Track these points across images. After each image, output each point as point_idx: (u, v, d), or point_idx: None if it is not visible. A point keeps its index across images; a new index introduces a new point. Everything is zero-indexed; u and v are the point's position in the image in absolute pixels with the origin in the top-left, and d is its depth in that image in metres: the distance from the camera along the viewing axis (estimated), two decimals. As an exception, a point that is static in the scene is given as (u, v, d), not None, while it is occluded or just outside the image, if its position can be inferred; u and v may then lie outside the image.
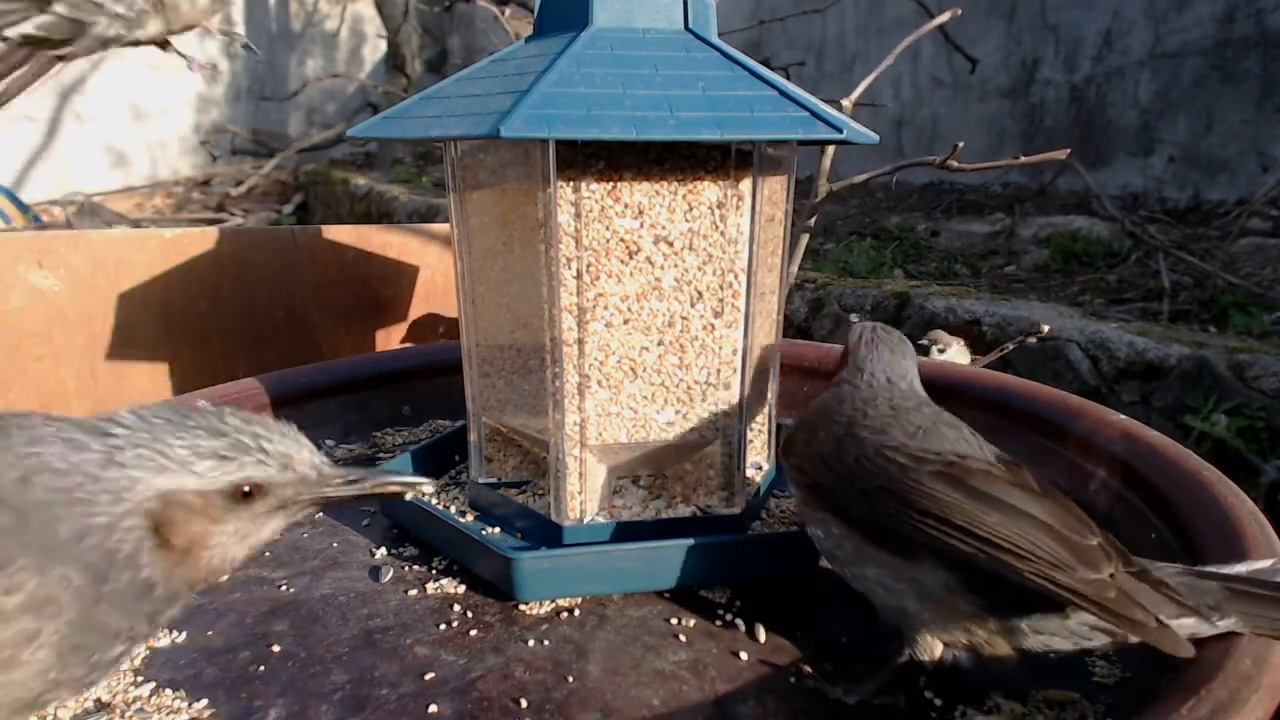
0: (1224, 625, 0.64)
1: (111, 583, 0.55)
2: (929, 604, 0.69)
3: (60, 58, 1.55)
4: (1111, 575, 0.63)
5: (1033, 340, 1.42)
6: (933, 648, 0.71)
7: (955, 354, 2.13)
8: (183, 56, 1.62)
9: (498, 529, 0.96)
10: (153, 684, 0.73)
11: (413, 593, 0.86)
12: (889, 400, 0.81)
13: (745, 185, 0.84)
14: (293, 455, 0.60)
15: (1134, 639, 0.64)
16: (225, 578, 0.62)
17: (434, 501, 1.01)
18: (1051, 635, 0.67)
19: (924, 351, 2.19)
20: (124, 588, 0.55)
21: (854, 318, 0.99)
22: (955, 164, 1.30)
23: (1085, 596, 0.62)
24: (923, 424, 0.76)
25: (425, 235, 1.95)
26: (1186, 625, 0.63)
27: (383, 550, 0.95)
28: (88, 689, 0.60)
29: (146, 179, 7.76)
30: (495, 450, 1.01)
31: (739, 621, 0.81)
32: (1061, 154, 1.28)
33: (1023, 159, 1.31)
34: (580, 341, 0.85)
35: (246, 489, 0.59)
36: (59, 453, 0.55)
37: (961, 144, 1.29)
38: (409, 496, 0.64)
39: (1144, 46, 4.56)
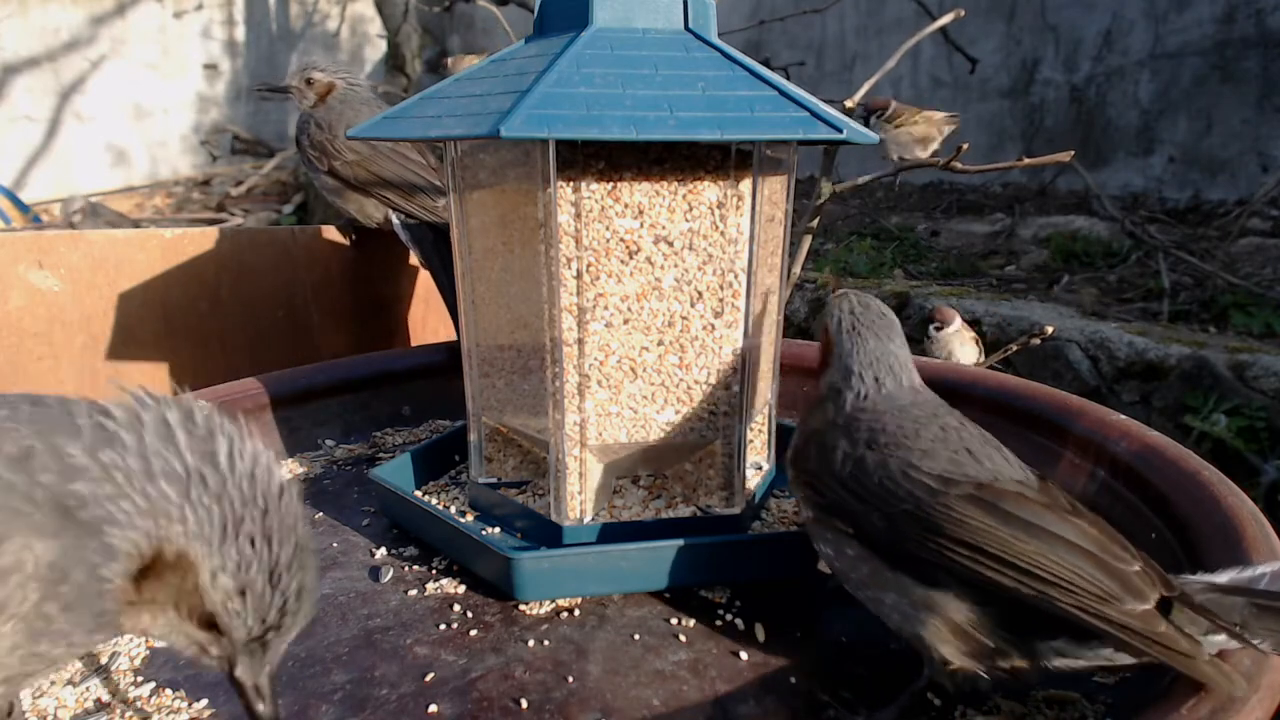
0: (1248, 644, 0.62)
1: (71, 587, 0.51)
2: (950, 633, 0.67)
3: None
4: (1159, 602, 0.61)
5: (1036, 341, 1.42)
6: (953, 673, 0.68)
7: (954, 337, 2.12)
8: None
9: (498, 529, 0.96)
10: (153, 684, 0.73)
11: (413, 593, 0.86)
12: (901, 411, 0.76)
13: (745, 185, 0.84)
14: (281, 635, 0.54)
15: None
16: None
17: (434, 501, 1.01)
18: (1075, 660, 0.65)
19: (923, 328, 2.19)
20: (80, 598, 0.52)
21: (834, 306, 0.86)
22: (959, 165, 1.30)
23: (1135, 632, 0.60)
24: (949, 439, 0.72)
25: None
26: (1217, 642, 0.62)
27: (383, 550, 0.95)
28: (25, 683, 0.56)
29: (147, 179, 7.76)
30: (495, 450, 1.01)
31: (739, 621, 0.81)
32: (1066, 156, 1.28)
33: (1027, 160, 1.31)
34: (580, 341, 0.85)
35: (216, 625, 0.53)
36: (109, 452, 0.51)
37: (966, 146, 1.29)
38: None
39: (1144, 46, 4.56)
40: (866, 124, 2.31)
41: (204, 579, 0.52)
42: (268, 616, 0.53)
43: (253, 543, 0.52)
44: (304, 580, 0.54)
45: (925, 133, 2.34)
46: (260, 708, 0.57)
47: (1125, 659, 0.64)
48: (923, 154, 2.23)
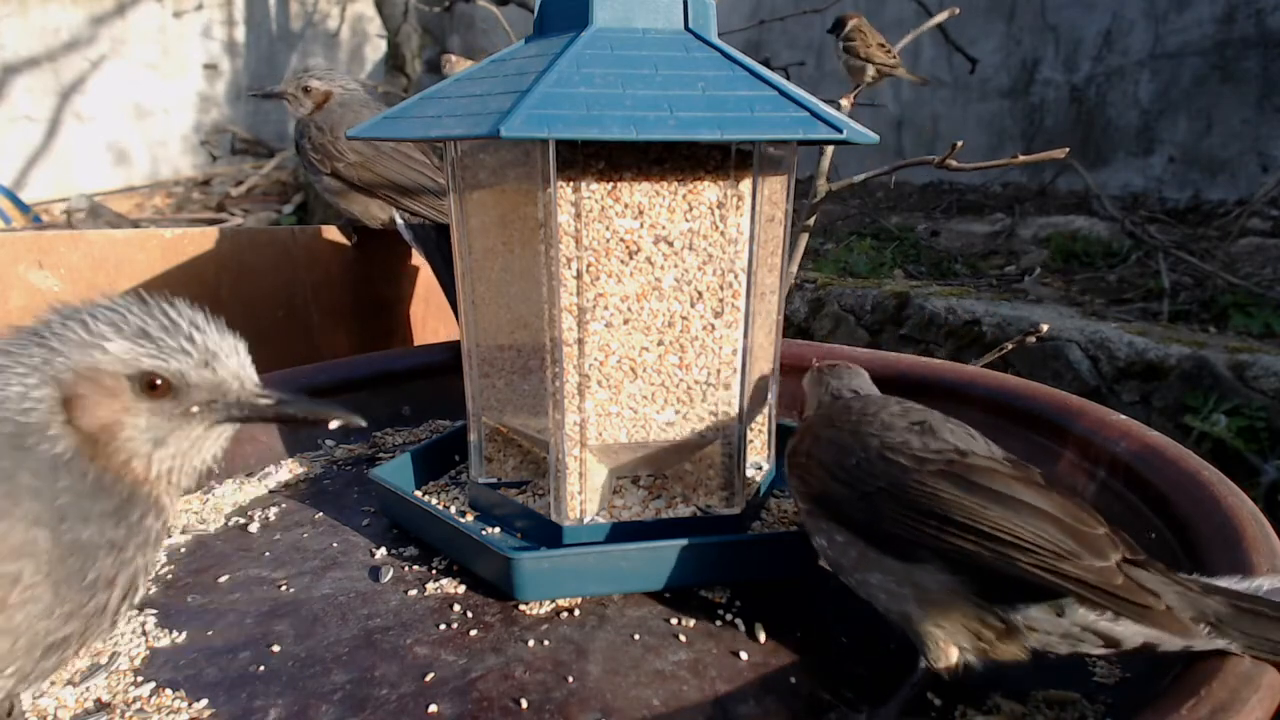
0: (1220, 644, 0.62)
1: (47, 471, 0.54)
2: (931, 608, 0.68)
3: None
4: (1119, 563, 0.63)
5: (1032, 340, 1.42)
6: (947, 655, 0.69)
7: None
8: None
9: (498, 529, 0.96)
10: (153, 684, 0.73)
11: (413, 593, 0.86)
12: (867, 399, 0.81)
13: (745, 185, 0.84)
14: (219, 355, 0.58)
15: (1130, 646, 0.64)
16: (164, 491, 0.61)
17: (433, 501, 1.01)
18: (1048, 634, 0.66)
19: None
20: (55, 471, 0.54)
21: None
22: (954, 163, 1.30)
23: (1090, 585, 0.61)
24: (910, 414, 0.76)
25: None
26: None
27: (383, 550, 0.95)
28: (109, 619, 0.59)
29: (147, 178, 7.76)
30: (495, 450, 1.01)
31: (739, 621, 0.81)
32: (1060, 153, 1.28)
33: (1022, 158, 1.31)
34: (580, 341, 0.85)
35: (155, 381, 0.57)
36: None
37: (961, 143, 1.29)
38: (333, 426, 0.63)
39: (1144, 46, 4.56)
40: (837, 35, 2.26)
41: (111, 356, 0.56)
42: (182, 345, 0.58)
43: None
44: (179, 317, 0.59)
45: (872, 68, 2.29)
46: (319, 412, 0.62)
47: (1094, 642, 0.65)
48: (863, 77, 2.19)
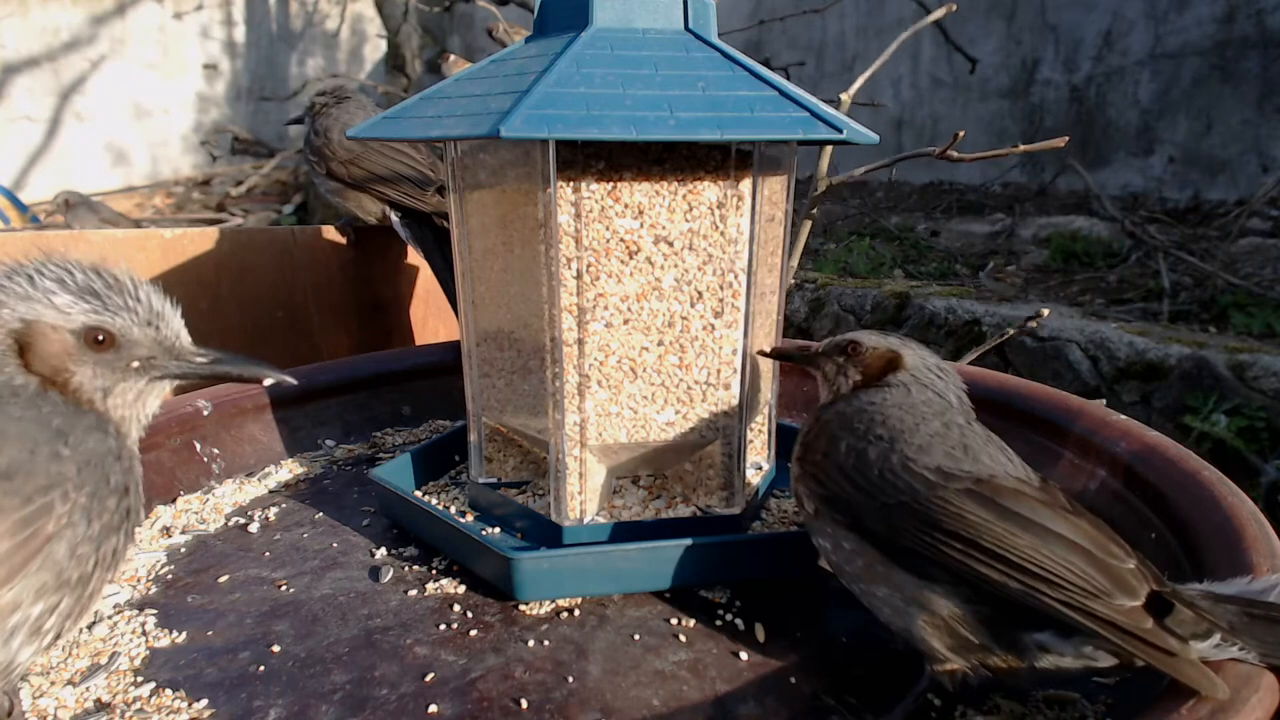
0: (1235, 653, 0.62)
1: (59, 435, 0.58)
2: (938, 626, 0.67)
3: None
4: (1147, 598, 0.61)
5: (1026, 330, 1.41)
6: (950, 669, 0.68)
7: None
8: None
9: (498, 529, 0.96)
10: (153, 684, 0.73)
11: (413, 593, 0.86)
12: (911, 408, 0.76)
13: (745, 185, 0.84)
14: (164, 315, 0.63)
15: (1141, 664, 0.63)
16: (132, 430, 0.66)
17: (433, 501, 1.01)
18: (1060, 656, 0.65)
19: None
20: (35, 399, 0.60)
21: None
22: (955, 154, 1.30)
23: (1120, 628, 0.60)
24: (949, 436, 0.73)
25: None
26: (1204, 648, 0.61)
27: (383, 550, 0.95)
28: (136, 521, 0.64)
29: (147, 178, 7.77)
30: (495, 450, 1.01)
31: (739, 621, 0.81)
32: (1060, 141, 1.28)
33: (1022, 147, 1.31)
34: (580, 341, 0.85)
35: (100, 336, 0.61)
36: None
37: (962, 133, 1.29)
38: (267, 384, 0.69)
39: (1144, 46, 4.56)
40: None
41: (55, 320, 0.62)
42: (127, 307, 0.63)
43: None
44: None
45: None
46: (250, 372, 0.67)
47: (1108, 659, 0.64)
48: None
